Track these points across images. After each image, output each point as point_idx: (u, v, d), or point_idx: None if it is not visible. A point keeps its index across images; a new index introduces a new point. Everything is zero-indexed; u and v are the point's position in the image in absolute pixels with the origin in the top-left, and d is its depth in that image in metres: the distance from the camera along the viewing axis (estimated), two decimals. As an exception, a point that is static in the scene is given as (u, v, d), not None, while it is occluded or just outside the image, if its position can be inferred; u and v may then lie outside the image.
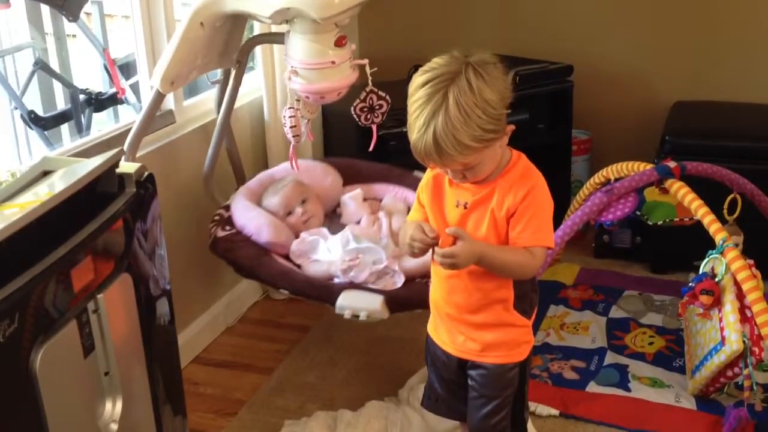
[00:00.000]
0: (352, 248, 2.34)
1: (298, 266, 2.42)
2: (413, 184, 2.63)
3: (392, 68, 3.35)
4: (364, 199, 2.69)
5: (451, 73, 1.55)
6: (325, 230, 2.49)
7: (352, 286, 2.24)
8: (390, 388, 2.48)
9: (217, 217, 2.54)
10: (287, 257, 2.44)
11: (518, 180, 1.66)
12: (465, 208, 1.68)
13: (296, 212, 2.54)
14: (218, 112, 2.68)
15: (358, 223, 2.56)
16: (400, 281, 2.26)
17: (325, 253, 2.40)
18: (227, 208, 2.57)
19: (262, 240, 2.42)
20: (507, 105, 1.59)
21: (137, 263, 1.64)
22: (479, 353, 1.78)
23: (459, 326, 1.78)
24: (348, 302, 2.17)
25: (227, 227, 2.48)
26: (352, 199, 2.65)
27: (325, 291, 2.25)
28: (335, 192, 2.72)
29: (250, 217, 2.47)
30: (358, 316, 2.15)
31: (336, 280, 2.29)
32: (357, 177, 2.77)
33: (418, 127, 1.56)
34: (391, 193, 2.72)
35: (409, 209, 2.52)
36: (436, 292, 1.81)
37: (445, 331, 1.82)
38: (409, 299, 2.20)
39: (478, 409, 1.82)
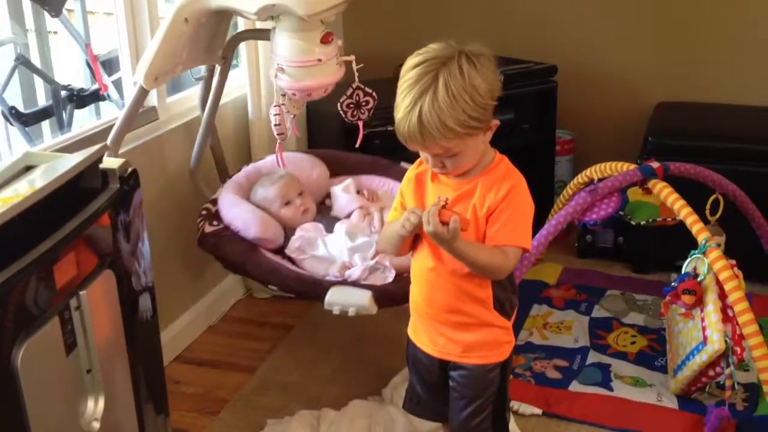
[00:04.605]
0: (348, 247, 2.34)
1: (291, 260, 2.41)
2: (400, 175, 2.61)
3: (377, 66, 3.35)
4: (358, 191, 2.68)
5: (443, 58, 1.57)
6: (320, 227, 2.49)
7: (342, 281, 2.23)
8: (374, 387, 2.48)
9: (204, 212, 2.52)
10: (276, 252, 2.43)
11: (500, 179, 1.67)
12: (446, 203, 1.68)
13: (295, 203, 2.53)
14: (202, 109, 2.67)
15: (348, 216, 2.55)
16: (391, 276, 2.25)
17: (322, 250, 2.40)
18: (214, 202, 2.55)
19: (250, 235, 2.40)
20: (495, 97, 1.61)
21: (120, 260, 1.63)
22: (460, 354, 1.78)
23: (439, 327, 1.78)
24: (337, 298, 2.17)
25: (215, 222, 2.46)
26: (343, 190, 2.64)
27: (314, 287, 2.25)
28: (323, 184, 2.71)
29: (237, 213, 2.46)
30: (347, 312, 2.15)
31: (327, 277, 2.29)
32: (343, 168, 2.76)
33: (404, 106, 1.57)
34: (380, 185, 2.71)
35: None
36: (416, 291, 1.81)
37: (425, 332, 1.81)
38: (398, 293, 2.17)
39: (460, 411, 1.82)
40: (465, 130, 1.57)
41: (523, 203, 1.68)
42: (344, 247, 2.36)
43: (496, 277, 1.71)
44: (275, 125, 2.44)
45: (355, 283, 2.23)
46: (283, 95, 2.44)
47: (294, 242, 2.43)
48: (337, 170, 2.76)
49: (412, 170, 1.78)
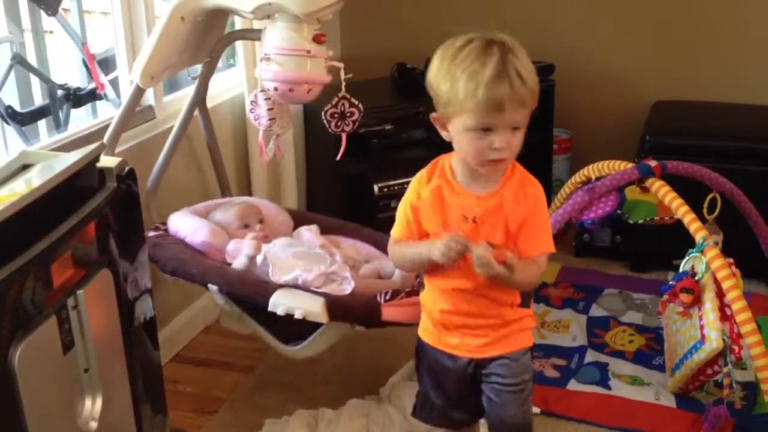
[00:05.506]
0: (297, 251, 2.24)
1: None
2: (369, 237, 2.53)
3: (375, 66, 3.36)
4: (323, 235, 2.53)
5: (489, 34, 1.56)
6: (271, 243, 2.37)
7: (295, 287, 2.12)
8: (371, 387, 2.48)
9: (152, 227, 2.43)
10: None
11: (522, 187, 1.64)
12: (474, 222, 1.63)
13: (254, 228, 2.41)
14: (198, 110, 2.66)
15: None
16: (348, 288, 2.15)
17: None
18: (164, 223, 2.45)
19: (198, 239, 2.31)
20: None
21: (118, 259, 1.62)
22: (494, 347, 1.74)
23: (470, 330, 1.73)
24: (283, 299, 2.05)
25: (160, 231, 2.40)
26: (307, 230, 2.50)
27: (258, 288, 2.12)
28: (285, 230, 2.54)
29: (187, 221, 2.37)
30: (293, 314, 2.03)
31: (275, 281, 2.16)
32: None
33: (491, 70, 1.51)
34: (350, 243, 2.55)
35: (367, 261, 2.43)
36: (441, 303, 1.73)
37: (455, 337, 1.75)
38: (354, 309, 2.09)
39: (507, 402, 1.76)
40: (536, 96, 1.57)
41: (545, 208, 1.67)
42: (294, 249, 2.24)
43: (532, 288, 1.71)
44: (268, 109, 2.40)
45: (306, 289, 2.11)
46: (267, 99, 2.41)
47: (233, 245, 2.31)
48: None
49: (422, 186, 1.68)
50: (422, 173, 1.70)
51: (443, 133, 1.63)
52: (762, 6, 3.32)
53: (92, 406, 1.54)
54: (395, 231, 1.74)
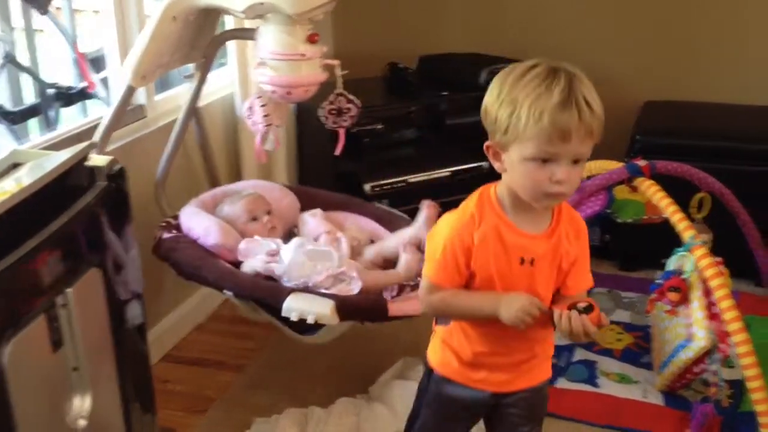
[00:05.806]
0: (307, 249, 2.26)
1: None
2: (372, 213, 2.57)
3: (367, 65, 3.36)
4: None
5: (552, 62, 1.49)
6: (279, 240, 2.38)
7: (305, 289, 2.15)
8: (361, 386, 2.48)
9: (164, 224, 2.45)
10: (235, 265, 2.33)
11: (571, 224, 1.58)
12: (531, 264, 1.53)
13: (262, 219, 2.44)
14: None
15: (317, 239, 2.43)
16: (356, 288, 2.17)
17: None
18: (175, 217, 2.47)
19: (209, 242, 2.33)
20: None
21: (107, 258, 1.62)
22: (519, 382, 1.67)
23: (503, 368, 1.66)
24: (296, 304, 2.08)
25: (173, 231, 2.41)
26: (311, 215, 2.54)
27: (272, 293, 2.16)
28: (292, 213, 2.60)
29: (198, 221, 2.39)
30: (305, 320, 2.07)
31: (286, 284, 2.19)
32: (315, 204, 2.64)
33: (557, 96, 1.41)
34: (346, 219, 2.60)
35: (371, 239, 2.46)
36: (470, 346, 1.63)
37: (478, 372, 1.66)
38: (362, 308, 2.12)
39: (523, 430, 1.72)
40: (602, 127, 1.46)
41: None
42: (304, 248, 2.26)
43: None
44: (264, 116, 2.41)
45: (317, 291, 2.15)
46: (263, 105, 2.42)
47: (245, 244, 2.33)
48: (308, 206, 2.64)
49: (473, 227, 1.52)
50: (470, 211, 1.53)
51: (495, 164, 1.51)
52: (754, 7, 3.34)
53: (81, 404, 1.54)
54: (435, 276, 1.55)
